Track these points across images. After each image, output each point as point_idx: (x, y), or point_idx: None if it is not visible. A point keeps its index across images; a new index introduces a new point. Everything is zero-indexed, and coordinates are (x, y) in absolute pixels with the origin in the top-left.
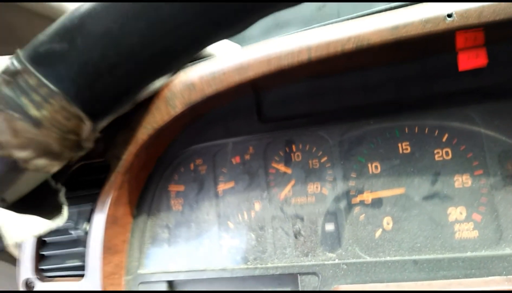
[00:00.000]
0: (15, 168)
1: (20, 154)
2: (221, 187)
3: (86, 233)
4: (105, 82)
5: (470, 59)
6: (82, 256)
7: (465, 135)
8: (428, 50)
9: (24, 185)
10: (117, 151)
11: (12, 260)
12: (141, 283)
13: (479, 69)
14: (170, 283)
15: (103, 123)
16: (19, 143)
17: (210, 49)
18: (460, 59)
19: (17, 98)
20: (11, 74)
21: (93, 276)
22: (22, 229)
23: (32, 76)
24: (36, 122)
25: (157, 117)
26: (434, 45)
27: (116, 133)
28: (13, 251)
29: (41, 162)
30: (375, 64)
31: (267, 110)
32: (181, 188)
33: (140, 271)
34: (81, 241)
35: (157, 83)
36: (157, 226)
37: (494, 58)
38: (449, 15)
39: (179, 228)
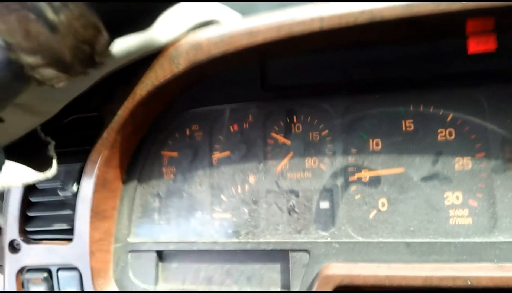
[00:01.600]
0: (21, 75)
1: (29, 59)
2: (216, 155)
3: (74, 195)
4: None
5: (480, 44)
6: (70, 220)
7: (470, 117)
8: (439, 31)
9: (18, 122)
10: (112, 105)
11: None
12: (131, 251)
13: (488, 53)
14: (159, 253)
15: (119, 43)
16: (30, 47)
17: (217, 17)
18: (470, 43)
19: None
20: None
21: (81, 241)
22: (10, 175)
23: None
24: (52, 27)
25: (158, 74)
26: (446, 26)
27: (114, 89)
28: None
29: (49, 71)
30: (386, 41)
31: (271, 79)
32: (174, 154)
33: (130, 240)
34: (69, 204)
35: (164, 37)
36: (148, 194)
37: (504, 43)
38: None
39: (170, 197)
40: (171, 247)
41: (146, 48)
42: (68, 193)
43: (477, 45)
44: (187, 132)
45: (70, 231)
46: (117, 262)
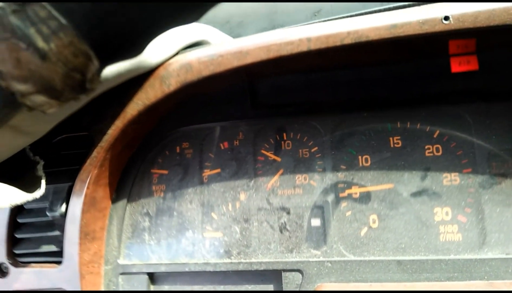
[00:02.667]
0: (12, 102)
1: (20, 86)
2: (207, 173)
3: (63, 215)
4: (117, 21)
5: (462, 64)
6: (59, 241)
7: (456, 133)
8: (423, 52)
9: (7, 142)
10: (103, 125)
11: None
12: (122, 274)
13: (472, 72)
14: (151, 275)
15: (109, 68)
16: (21, 74)
17: (207, 38)
18: (452, 64)
19: (25, 28)
20: (21, 4)
21: (71, 263)
22: None
23: (43, 7)
24: (42, 55)
25: (149, 94)
26: (429, 47)
27: (104, 108)
28: None
29: (40, 98)
30: (372, 61)
31: (261, 97)
32: (164, 172)
33: (120, 262)
34: (57, 225)
35: (154, 59)
36: (137, 213)
37: (486, 62)
38: (446, 18)
39: (160, 216)
40: (162, 269)
41: (137, 71)
42: (56, 213)
43: (459, 66)
44: (177, 150)
45: (59, 253)
46: (108, 285)
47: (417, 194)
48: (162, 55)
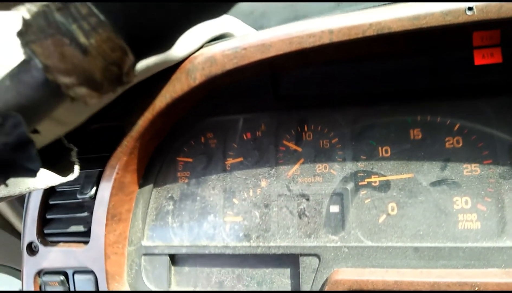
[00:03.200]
0: (57, 93)
1: (65, 79)
2: (230, 161)
3: (92, 198)
4: (151, 17)
5: (485, 57)
6: (86, 222)
7: (477, 126)
8: (445, 44)
9: (47, 131)
10: (133, 116)
11: (8, 228)
12: (144, 254)
13: (494, 65)
14: (172, 256)
15: (141, 62)
16: (65, 68)
17: (231, 30)
18: (476, 56)
19: (68, 24)
20: (64, 1)
21: (97, 243)
22: (35, 178)
23: (84, 5)
24: (84, 50)
25: (176, 87)
26: (452, 39)
27: (135, 101)
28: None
29: (82, 90)
30: (393, 53)
31: (283, 90)
32: (189, 160)
33: (143, 243)
34: (87, 207)
35: (180, 52)
36: (162, 197)
37: (510, 56)
38: (470, 8)
39: (184, 200)
40: (183, 251)
41: (164, 64)
42: (86, 196)
43: (483, 58)
44: (202, 140)
45: (87, 234)
46: (131, 265)
47: (436, 183)
48: (187, 49)
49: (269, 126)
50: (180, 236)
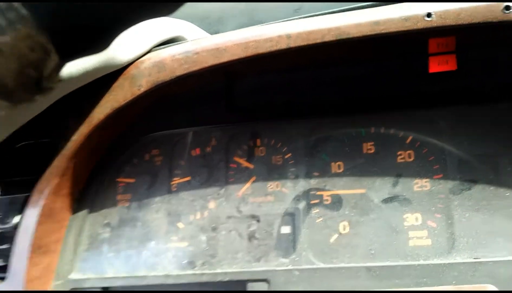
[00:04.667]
0: None
1: None
2: (176, 181)
3: (15, 227)
4: (81, 12)
5: (441, 64)
6: (5, 256)
7: (428, 139)
8: (403, 51)
9: None
10: (66, 130)
11: None
12: (72, 290)
13: (448, 74)
14: (105, 290)
15: (73, 65)
16: None
17: (183, 34)
18: (431, 63)
19: None
20: None
21: (15, 280)
22: None
23: None
24: None
25: (118, 96)
26: (410, 46)
27: (68, 112)
28: None
29: None
30: (351, 61)
31: (237, 100)
32: (131, 180)
33: (73, 276)
34: (8, 237)
35: (124, 56)
36: (98, 224)
37: (464, 64)
38: (428, 15)
39: (122, 226)
40: (118, 283)
41: (104, 69)
42: (7, 226)
43: (438, 65)
44: (147, 157)
45: (4, 268)
46: None
47: (388, 200)
48: (132, 52)
49: (219, 141)
50: (116, 266)
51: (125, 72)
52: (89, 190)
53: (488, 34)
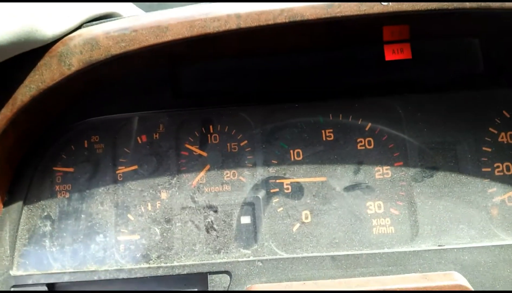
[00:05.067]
0: None
1: None
2: (121, 170)
3: None
4: None
5: (396, 53)
6: None
7: (387, 126)
8: (358, 38)
9: None
10: None
11: None
12: (14, 286)
13: (405, 63)
14: (51, 286)
15: None
16: None
17: (117, 10)
18: (386, 51)
19: None
20: None
21: None
22: None
23: None
24: None
25: (45, 76)
26: (364, 33)
27: None
28: None
29: None
30: (305, 48)
31: (184, 85)
32: (69, 169)
33: (13, 272)
34: None
35: (50, 31)
36: (36, 216)
37: (419, 53)
38: None
39: (64, 219)
40: (65, 278)
41: (27, 45)
42: None
43: (393, 54)
44: (85, 144)
45: None
46: None
47: (350, 188)
48: (60, 27)
49: (168, 128)
50: (61, 261)
51: (52, 49)
52: (23, 180)
53: (442, 24)
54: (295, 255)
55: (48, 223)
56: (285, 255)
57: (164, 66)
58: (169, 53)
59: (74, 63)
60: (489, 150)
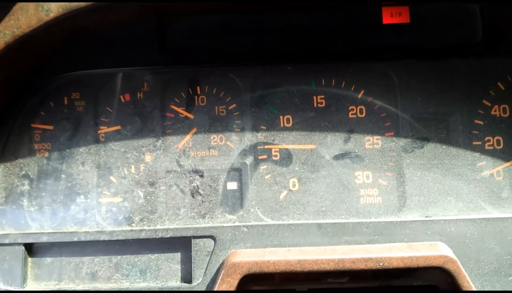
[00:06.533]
0: None
1: None
2: (104, 130)
3: None
4: None
5: (394, 16)
6: None
7: (380, 94)
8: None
9: None
10: None
11: None
12: None
13: (402, 27)
14: (28, 246)
15: None
16: None
17: None
18: (384, 14)
19: None
20: None
21: None
22: None
23: None
24: None
25: (21, 21)
26: None
27: None
28: None
29: None
30: (300, 6)
31: (171, 41)
32: (49, 127)
33: None
34: None
35: None
36: (13, 175)
37: (417, 17)
38: None
39: (44, 179)
40: (44, 239)
41: None
42: None
43: (391, 17)
44: (65, 101)
45: None
46: None
47: (339, 156)
48: None
49: (153, 86)
50: (40, 221)
51: None
52: None
53: None
54: (281, 222)
55: (26, 182)
56: (271, 222)
57: (150, 19)
58: (156, 7)
59: (53, 9)
60: (481, 122)
